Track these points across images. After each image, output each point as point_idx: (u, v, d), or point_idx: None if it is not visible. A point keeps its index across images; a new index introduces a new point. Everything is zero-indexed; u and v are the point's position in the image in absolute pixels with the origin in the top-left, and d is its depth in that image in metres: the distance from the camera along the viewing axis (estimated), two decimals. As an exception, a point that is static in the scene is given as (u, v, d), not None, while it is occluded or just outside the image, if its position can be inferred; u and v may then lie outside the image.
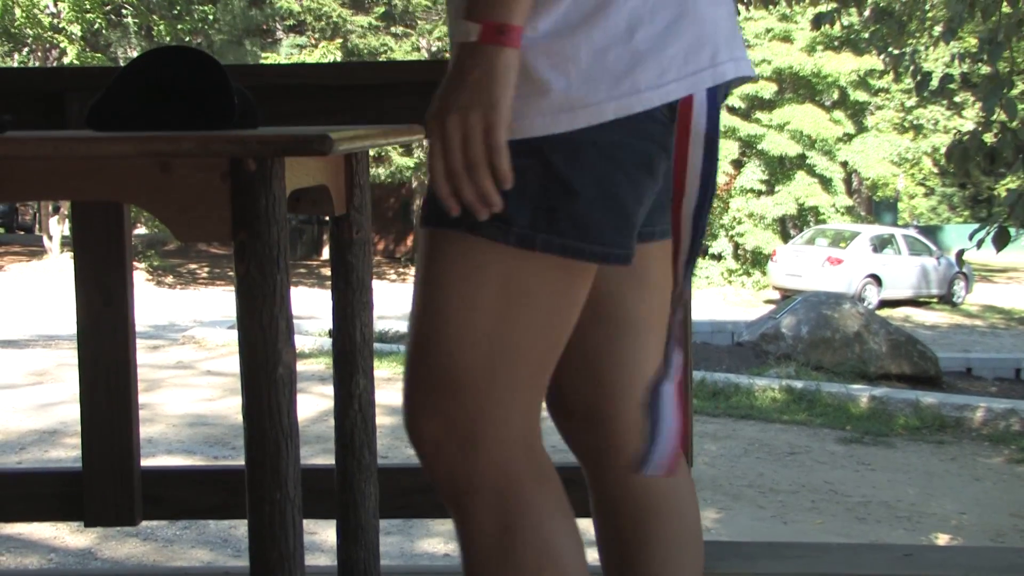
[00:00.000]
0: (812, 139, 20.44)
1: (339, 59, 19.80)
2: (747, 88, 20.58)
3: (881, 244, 18.48)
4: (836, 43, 21.13)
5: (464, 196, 1.08)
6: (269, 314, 1.22)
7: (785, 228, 21.69)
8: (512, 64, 1.07)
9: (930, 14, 10.79)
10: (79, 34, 18.62)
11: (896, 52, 6.85)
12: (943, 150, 24.83)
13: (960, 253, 5.13)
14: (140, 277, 17.88)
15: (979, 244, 4.52)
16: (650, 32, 1.12)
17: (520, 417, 1.19)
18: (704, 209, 1.21)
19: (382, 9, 21.43)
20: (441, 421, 1.17)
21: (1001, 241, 4.37)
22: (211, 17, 20.32)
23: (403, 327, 11.73)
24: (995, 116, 4.87)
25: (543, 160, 1.11)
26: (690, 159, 1.19)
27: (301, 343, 9.31)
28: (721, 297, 19.02)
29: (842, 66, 20.74)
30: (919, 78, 5.90)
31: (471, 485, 1.18)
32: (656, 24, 1.13)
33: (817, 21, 6.94)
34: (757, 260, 20.38)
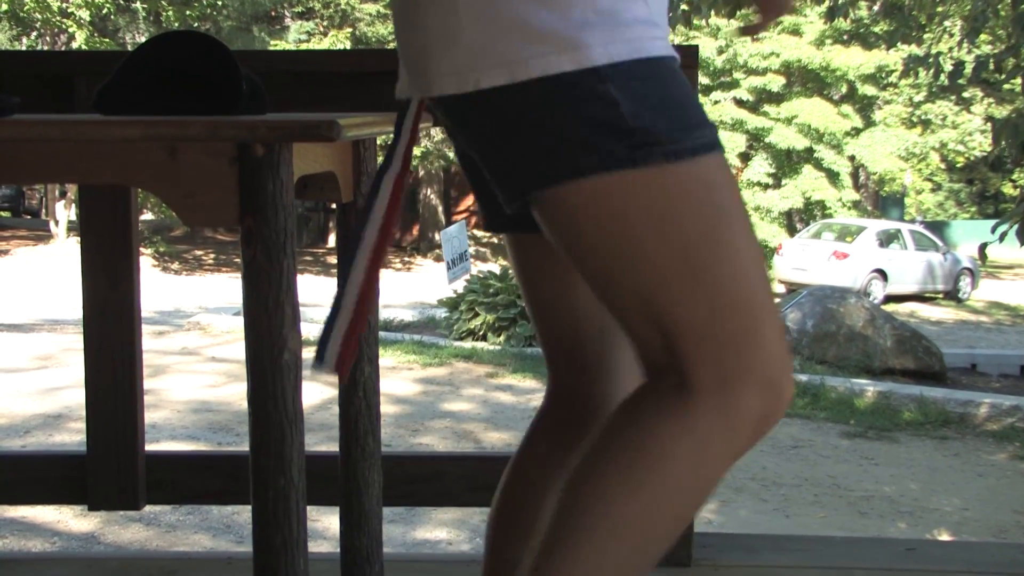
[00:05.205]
0: (820, 133, 20.40)
1: (348, 47, 19.77)
2: (756, 81, 20.55)
3: (887, 239, 18.44)
4: (845, 37, 21.07)
5: None
6: (275, 299, 1.21)
7: (791, 222, 21.67)
8: None
9: (939, 8, 10.75)
10: (88, 19, 18.62)
11: (921, 55, 6.80)
12: (951, 146, 24.53)
13: (983, 247, 5.10)
14: (146, 263, 17.89)
15: (1002, 237, 4.51)
16: None
17: None
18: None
19: (392, -3, 21.41)
20: None
21: None
22: (219, 3, 20.28)
23: (408, 315, 11.71)
24: None
25: None
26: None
27: (306, 331, 9.19)
28: (726, 290, 18.98)
29: (851, 60, 20.68)
30: (949, 68, 5.85)
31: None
32: None
33: (831, 14, 6.90)
34: (763, 253, 20.37)
